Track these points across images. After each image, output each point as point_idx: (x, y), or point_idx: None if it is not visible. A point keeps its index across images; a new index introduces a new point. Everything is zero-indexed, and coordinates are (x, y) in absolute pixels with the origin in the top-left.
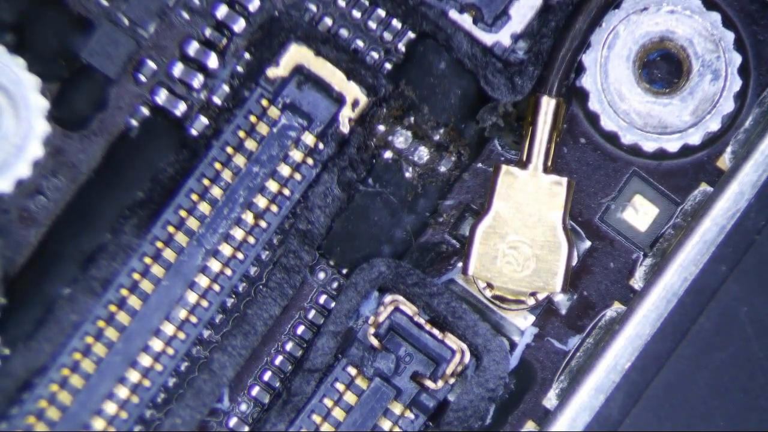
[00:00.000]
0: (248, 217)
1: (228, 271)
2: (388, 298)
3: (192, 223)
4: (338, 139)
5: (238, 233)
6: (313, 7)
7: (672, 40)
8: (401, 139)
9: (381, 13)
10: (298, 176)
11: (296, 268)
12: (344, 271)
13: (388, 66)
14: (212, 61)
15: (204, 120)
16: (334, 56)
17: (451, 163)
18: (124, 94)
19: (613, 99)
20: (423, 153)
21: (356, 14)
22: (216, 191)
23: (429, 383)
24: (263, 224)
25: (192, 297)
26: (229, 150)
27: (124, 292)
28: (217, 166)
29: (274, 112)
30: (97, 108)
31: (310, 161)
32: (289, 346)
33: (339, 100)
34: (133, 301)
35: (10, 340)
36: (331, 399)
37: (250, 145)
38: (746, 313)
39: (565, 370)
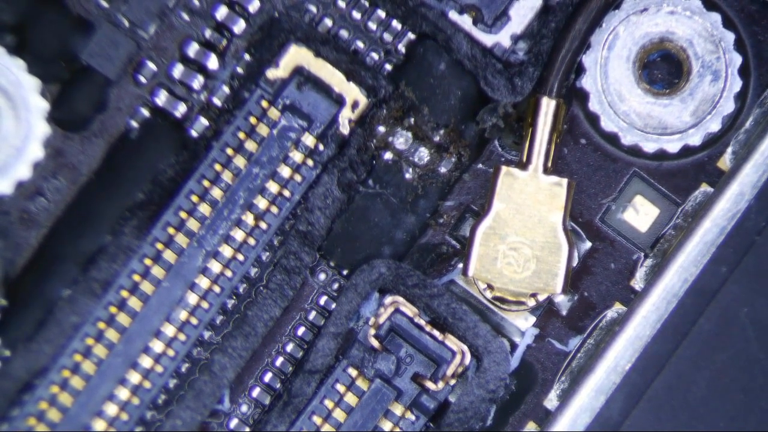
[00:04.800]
0: (248, 219)
1: (228, 273)
2: (388, 300)
3: (192, 224)
4: (338, 140)
5: (239, 234)
6: (312, 8)
7: (672, 40)
8: (401, 140)
9: (381, 14)
10: (298, 177)
11: (297, 269)
12: (345, 273)
13: (388, 67)
14: (212, 63)
15: (204, 121)
16: (334, 57)
17: (451, 164)
18: (124, 95)
19: (613, 100)
20: (423, 154)
21: (356, 15)
22: (216, 192)
23: (430, 384)
24: (263, 225)
25: (192, 298)
26: (230, 151)
27: (124, 293)
28: (218, 167)
29: (274, 113)
30: (97, 109)
31: (310, 162)
32: (289, 348)
33: (339, 101)
34: (134, 303)
35: (10, 341)
36: (331, 400)
37: (251, 146)
38: (746, 314)
39: (565, 370)
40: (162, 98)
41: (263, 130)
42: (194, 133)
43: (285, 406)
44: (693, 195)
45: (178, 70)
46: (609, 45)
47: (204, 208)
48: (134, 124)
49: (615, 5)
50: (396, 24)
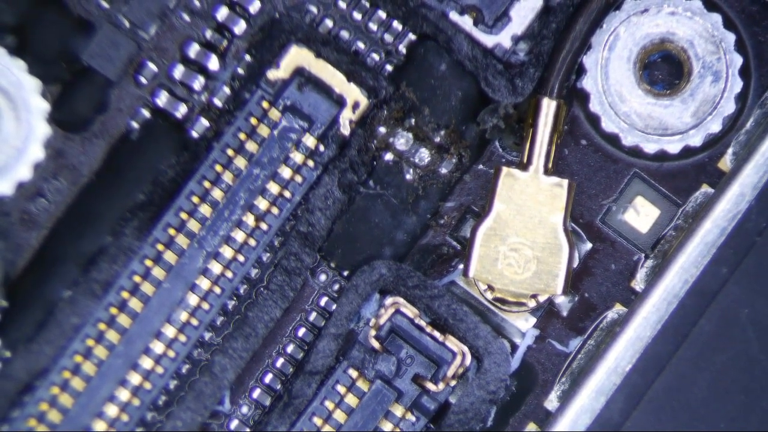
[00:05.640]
0: (249, 219)
1: (229, 274)
2: (389, 301)
3: (193, 225)
4: (339, 141)
5: (239, 235)
6: (313, 9)
7: (673, 41)
8: (402, 140)
9: (382, 14)
10: (298, 178)
11: (297, 270)
12: (345, 273)
13: (388, 68)
14: (213, 63)
15: (205, 122)
16: (335, 58)
17: (451, 165)
18: (125, 96)
19: (613, 100)
20: (424, 155)
21: (357, 16)
22: (217, 193)
23: (430, 385)
24: (264, 226)
25: (193, 299)
26: (230, 152)
27: (125, 294)
28: (218, 168)
29: (274, 114)
30: (97, 110)
31: (310, 163)
32: (290, 349)
33: (340, 102)
34: (134, 304)
35: (11, 342)
36: (332, 401)
37: (251, 147)
38: (747, 315)
39: (566, 371)
40: (163, 99)
41: (264, 130)
42: (195, 134)
43: (285, 407)
44: (693, 196)
45: (178, 71)
46: (610, 46)
47: (205, 209)
48: (135, 124)
49: (616, 6)
50: (397, 25)
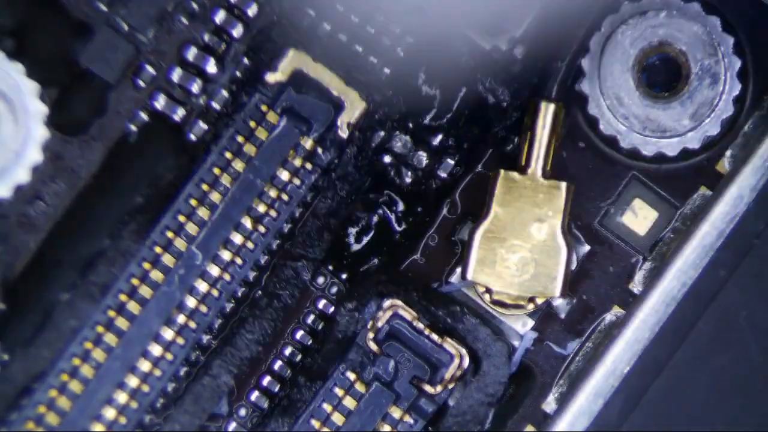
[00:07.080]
0: (247, 222)
1: (227, 276)
2: (387, 303)
3: (191, 228)
4: (337, 144)
5: (237, 238)
6: (311, 12)
7: (671, 44)
8: (400, 143)
9: (379, 17)
10: (296, 181)
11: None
12: (343, 277)
13: (386, 71)
14: (211, 67)
15: (203, 125)
16: (333, 61)
17: (450, 168)
18: (124, 99)
19: (612, 103)
20: (422, 157)
21: (354, 19)
22: (215, 196)
23: (428, 388)
24: (262, 229)
25: (191, 302)
26: (228, 155)
27: (123, 297)
28: (216, 171)
29: (272, 117)
30: (96, 113)
31: (308, 166)
32: (287, 351)
33: (338, 104)
34: (132, 307)
35: (9, 345)
36: (330, 404)
37: (249, 150)
38: (745, 318)
39: (564, 374)
40: (161, 102)
41: (262, 133)
42: (193, 137)
43: (283, 410)
44: (692, 198)
45: (177, 74)
46: (608, 48)
47: (203, 212)
48: (133, 128)
49: (614, 9)
50: (394, 28)
